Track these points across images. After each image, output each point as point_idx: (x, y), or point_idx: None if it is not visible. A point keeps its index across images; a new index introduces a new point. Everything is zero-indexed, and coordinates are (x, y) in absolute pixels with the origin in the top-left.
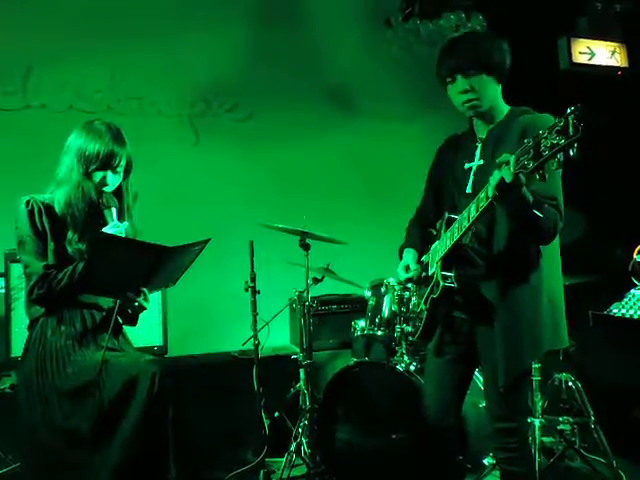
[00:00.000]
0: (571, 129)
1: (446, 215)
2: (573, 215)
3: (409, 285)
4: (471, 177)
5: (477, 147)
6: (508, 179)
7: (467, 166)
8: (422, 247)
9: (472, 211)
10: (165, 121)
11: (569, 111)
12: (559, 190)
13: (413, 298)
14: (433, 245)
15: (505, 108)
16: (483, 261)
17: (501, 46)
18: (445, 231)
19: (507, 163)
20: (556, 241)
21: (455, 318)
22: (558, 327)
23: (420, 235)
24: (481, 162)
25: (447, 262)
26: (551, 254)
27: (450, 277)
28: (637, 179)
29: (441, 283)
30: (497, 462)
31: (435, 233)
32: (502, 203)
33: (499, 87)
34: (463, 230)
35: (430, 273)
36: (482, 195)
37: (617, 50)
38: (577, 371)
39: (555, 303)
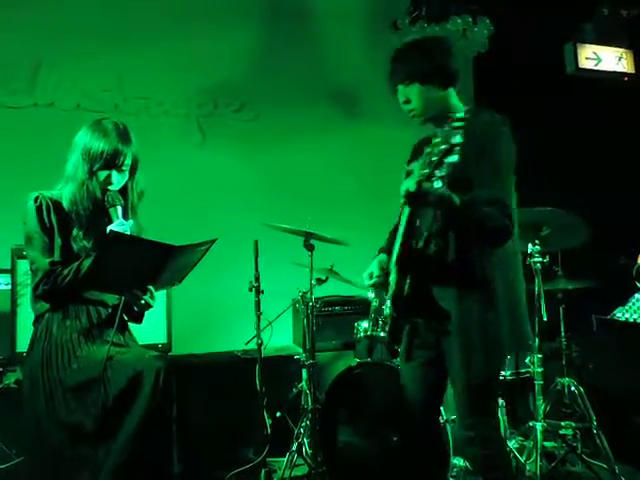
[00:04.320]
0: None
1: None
2: (576, 221)
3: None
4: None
5: None
6: (412, 188)
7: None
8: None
9: (402, 218)
10: (172, 121)
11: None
12: (505, 192)
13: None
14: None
15: (461, 110)
16: (437, 267)
17: (435, 51)
18: None
19: (412, 172)
20: (514, 247)
21: (417, 324)
22: (519, 332)
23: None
24: None
25: (402, 267)
26: (508, 261)
27: (404, 283)
28: None
29: (392, 288)
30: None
31: None
32: (415, 208)
33: (447, 91)
34: (401, 237)
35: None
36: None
37: (623, 56)
38: (580, 376)
39: (515, 309)
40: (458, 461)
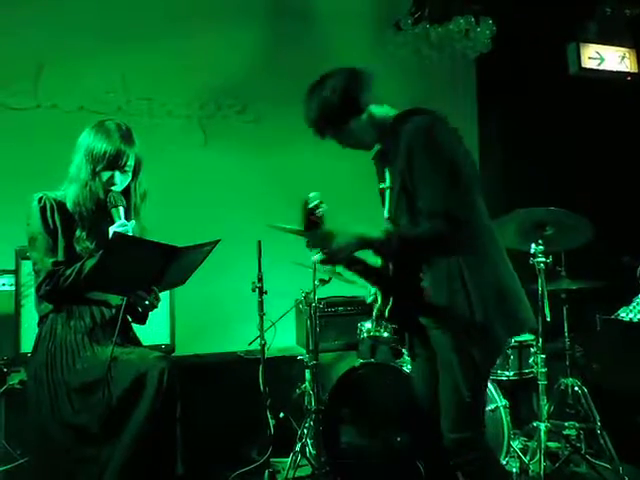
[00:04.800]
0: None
1: None
2: (580, 220)
3: None
4: (387, 199)
5: (385, 169)
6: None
7: (381, 187)
8: None
9: None
10: (175, 122)
11: None
12: (439, 198)
13: None
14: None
15: (386, 123)
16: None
17: (318, 99)
18: None
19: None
20: (485, 247)
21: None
22: (508, 322)
23: None
24: (389, 183)
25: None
26: (477, 264)
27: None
28: None
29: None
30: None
31: None
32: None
33: (357, 118)
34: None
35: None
36: None
37: (627, 55)
38: (583, 376)
39: (500, 303)
40: None
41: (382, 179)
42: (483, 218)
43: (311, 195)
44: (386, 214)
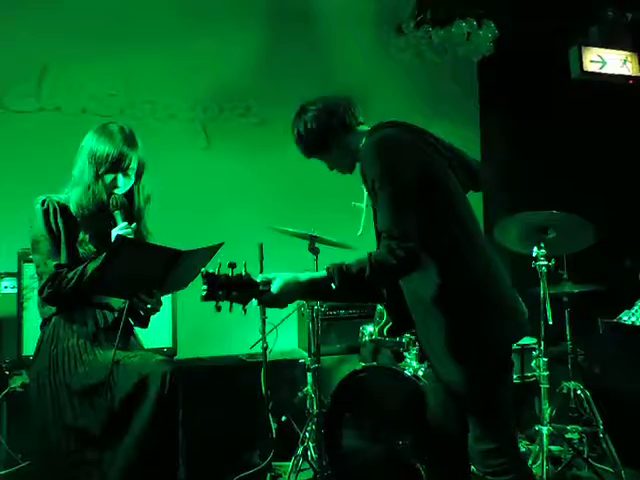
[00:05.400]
0: None
1: None
2: (582, 224)
3: None
4: (362, 219)
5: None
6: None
7: (357, 205)
8: None
9: None
10: (177, 125)
11: None
12: (394, 220)
13: None
14: None
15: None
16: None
17: (301, 125)
18: None
19: None
20: (467, 263)
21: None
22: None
23: None
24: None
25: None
26: (451, 282)
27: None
28: None
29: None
30: None
31: None
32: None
33: (336, 146)
34: None
35: None
36: None
37: (628, 59)
38: (586, 379)
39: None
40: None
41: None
42: (462, 230)
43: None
44: (359, 233)
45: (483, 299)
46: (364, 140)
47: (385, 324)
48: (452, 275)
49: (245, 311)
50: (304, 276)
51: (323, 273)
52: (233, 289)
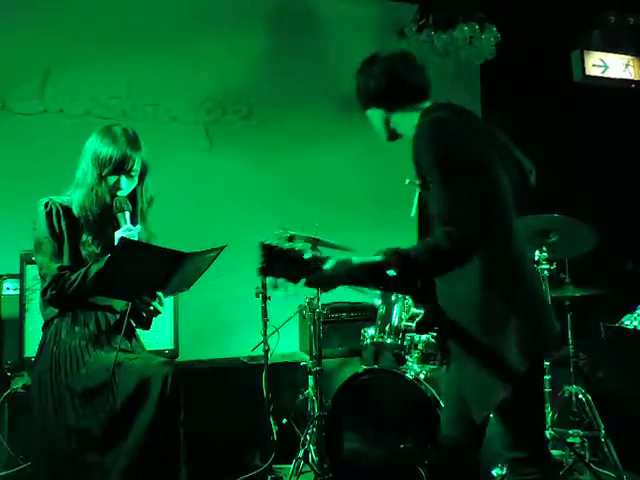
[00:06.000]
0: None
1: None
2: (584, 227)
3: None
4: (415, 199)
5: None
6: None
7: (412, 183)
8: None
9: None
10: (180, 127)
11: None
12: (453, 205)
13: None
14: None
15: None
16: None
17: (363, 79)
18: None
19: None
20: (507, 252)
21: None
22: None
23: None
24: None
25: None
26: (491, 278)
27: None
28: None
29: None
30: None
31: None
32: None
33: (395, 113)
34: None
35: None
36: None
37: (630, 63)
38: (587, 383)
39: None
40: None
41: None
42: (504, 228)
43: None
44: (412, 214)
45: (516, 303)
46: (418, 118)
47: (410, 318)
48: (490, 273)
49: (289, 292)
50: (357, 258)
51: (377, 257)
52: (288, 264)
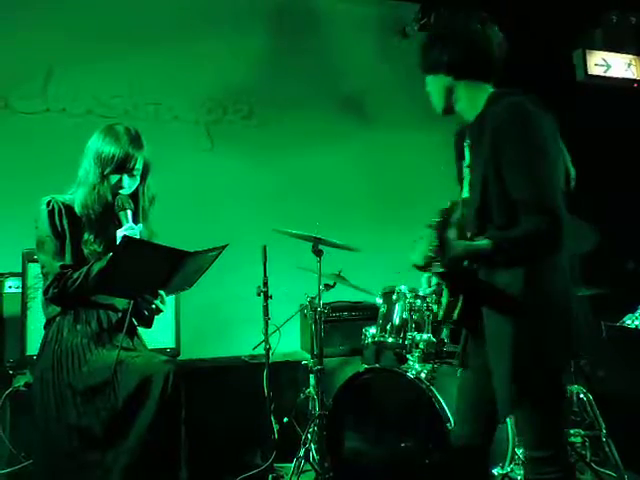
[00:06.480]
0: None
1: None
2: (585, 227)
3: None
4: (465, 180)
5: (465, 146)
6: (419, 262)
7: (464, 167)
8: None
9: None
10: (181, 127)
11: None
12: (538, 186)
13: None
14: None
15: (484, 100)
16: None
17: (439, 42)
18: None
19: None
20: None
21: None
22: (567, 341)
23: None
24: (468, 163)
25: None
26: (546, 265)
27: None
28: None
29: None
30: None
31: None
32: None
33: (464, 82)
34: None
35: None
36: None
37: (633, 62)
38: (589, 383)
39: (561, 318)
40: (497, 471)
41: (462, 156)
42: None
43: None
44: (465, 194)
45: (563, 304)
46: (485, 99)
47: (447, 309)
48: (538, 265)
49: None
50: (471, 245)
51: (485, 242)
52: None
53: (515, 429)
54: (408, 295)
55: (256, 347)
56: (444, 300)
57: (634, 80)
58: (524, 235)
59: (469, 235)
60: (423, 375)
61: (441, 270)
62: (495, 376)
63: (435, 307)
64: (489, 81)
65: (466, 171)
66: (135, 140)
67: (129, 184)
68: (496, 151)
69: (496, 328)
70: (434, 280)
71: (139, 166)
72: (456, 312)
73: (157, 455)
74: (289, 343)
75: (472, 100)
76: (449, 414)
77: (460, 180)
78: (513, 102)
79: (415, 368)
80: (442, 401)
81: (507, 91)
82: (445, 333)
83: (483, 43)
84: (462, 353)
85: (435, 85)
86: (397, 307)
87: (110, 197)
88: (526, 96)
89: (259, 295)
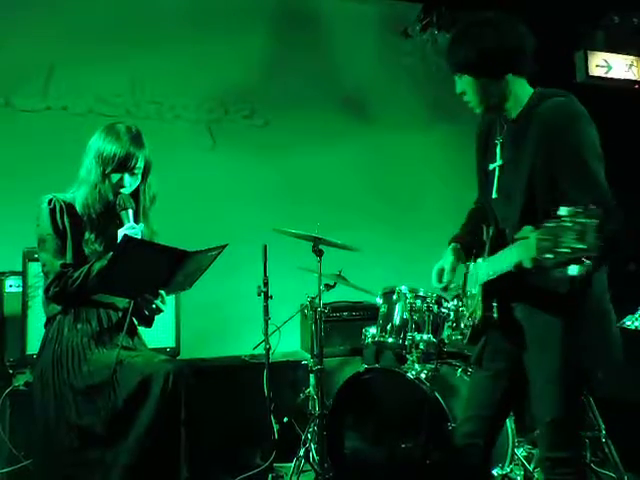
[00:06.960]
0: (591, 243)
1: (491, 230)
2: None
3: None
4: (495, 180)
5: (497, 146)
6: (527, 265)
7: (491, 167)
8: (471, 241)
9: (502, 266)
10: (183, 126)
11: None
12: (600, 188)
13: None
14: (478, 260)
15: (525, 97)
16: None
17: (480, 37)
18: (489, 249)
19: (527, 243)
20: None
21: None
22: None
23: (472, 227)
24: (501, 162)
25: (489, 290)
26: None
27: (492, 307)
28: None
29: (478, 312)
30: None
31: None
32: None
33: (504, 79)
34: (495, 276)
35: (473, 291)
36: (505, 263)
37: (634, 63)
38: (588, 384)
39: (603, 323)
40: (497, 471)
41: (490, 157)
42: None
43: None
44: (495, 195)
45: (605, 308)
46: (528, 96)
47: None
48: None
49: None
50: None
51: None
52: None
53: (515, 429)
54: (408, 295)
55: (256, 347)
56: (477, 301)
57: (635, 81)
58: (615, 230)
59: (510, 238)
60: (423, 375)
61: None
62: (537, 378)
63: (451, 305)
64: (526, 76)
65: (496, 170)
66: (136, 139)
67: (130, 183)
68: (548, 150)
69: (543, 328)
70: (443, 281)
71: (140, 165)
72: (495, 312)
73: (157, 454)
74: (289, 343)
75: (516, 97)
76: (449, 414)
77: (483, 180)
78: (566, 103)
79: (415, 368)
80: (442, 401)
81: (552, 91)
82: (446, 333)
83: (516, 38)
84: (481, 351)
85: (471, 85)
86: (397, 307)
87: (111, 196)
88: (571, 97)
89: (259, 295)
